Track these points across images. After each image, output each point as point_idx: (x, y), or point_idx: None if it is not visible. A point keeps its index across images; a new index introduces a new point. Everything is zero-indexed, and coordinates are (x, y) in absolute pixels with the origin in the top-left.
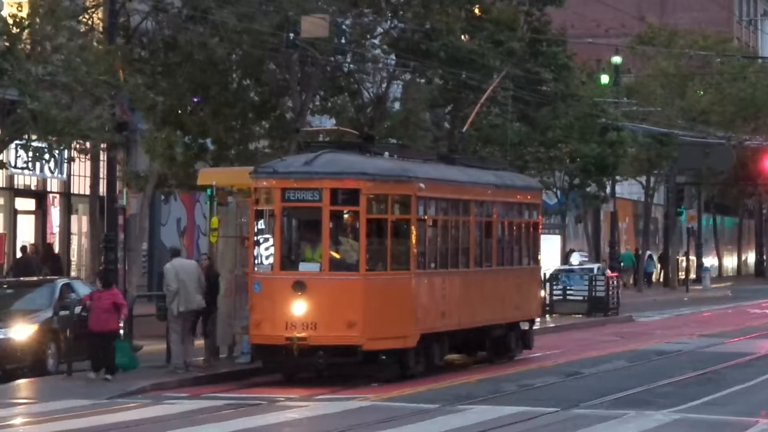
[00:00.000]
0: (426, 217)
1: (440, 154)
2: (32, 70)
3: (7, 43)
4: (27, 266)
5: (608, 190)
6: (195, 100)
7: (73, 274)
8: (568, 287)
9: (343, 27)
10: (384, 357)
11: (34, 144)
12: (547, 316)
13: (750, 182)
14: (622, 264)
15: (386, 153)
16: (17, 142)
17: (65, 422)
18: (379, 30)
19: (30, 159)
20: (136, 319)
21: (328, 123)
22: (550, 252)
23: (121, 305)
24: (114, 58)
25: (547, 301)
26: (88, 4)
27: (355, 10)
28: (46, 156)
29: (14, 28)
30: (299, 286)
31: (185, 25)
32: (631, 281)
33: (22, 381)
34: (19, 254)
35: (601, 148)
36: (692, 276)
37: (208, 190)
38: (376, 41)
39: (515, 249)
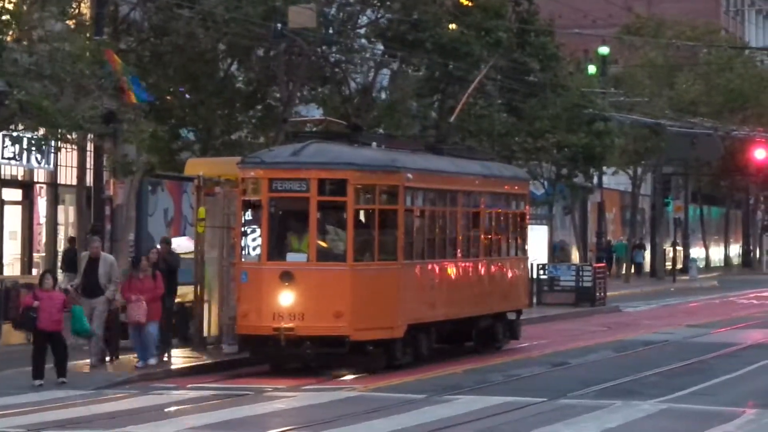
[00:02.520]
0: (414, 208)
1: (428, 144)
2: (19, 60)
3: None
4: (74, 260)
5: (595, 180)
6: (181, 90)
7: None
8: (555, 278)
9: (330, 17)
10: (371, 347)
11: (27, 135)
12: (534, 306)
13: (738, 173)
14: (615, 254)
15: (374, 143)
16: (4, 132)
17: (52, 413)
18: (366, 20)
19: (25, 149)
20: None
21: (316, 113)
22: (537, 243)
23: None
24: (103, 50)
25: (534, 292)
26: None
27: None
28: (43, 147)
29: (6, 16)
30: (286, 277)
31: (173, 14)
32: (624, 271)
33: (6, 372)
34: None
35: (589, 138)
36: (679, 266)
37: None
38: (363, 31)
39: (502, 239)
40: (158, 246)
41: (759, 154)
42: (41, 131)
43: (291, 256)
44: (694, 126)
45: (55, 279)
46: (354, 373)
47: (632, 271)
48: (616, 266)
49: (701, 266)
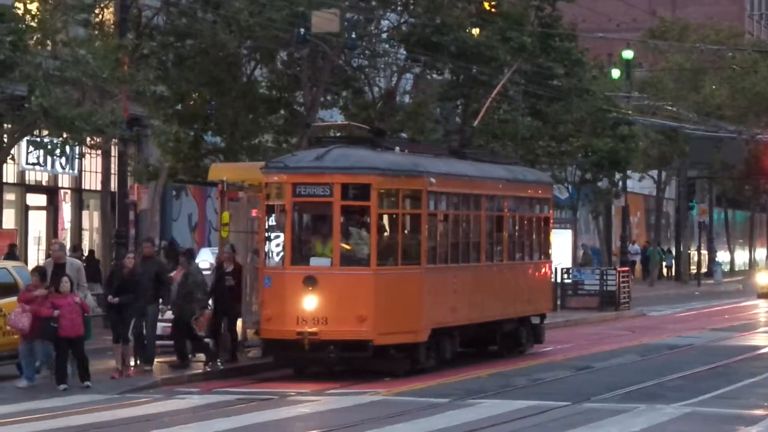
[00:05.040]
0: (437, 212)
1: (451, 148)
2: (42, 64)
3: (12, 37)
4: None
5: (620, 184)
6: (211, 104)
7: None
8: (579, 282)
9: (354, 21)
10: (395, 351)
11: (46, 140)
12: (558, 310)
13: (762, 177)
14: (650, 258)
15: (397, 148)
16: (28, 138)
17: (78, 417)
18: (389, 24)
19: (42, 155)
20: None
21: (338, 117)
22: (561, 247)
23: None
24: (123, 53)
25: (558, 296)
26: None
27: (365, 4)
28: (58, 152)
29: (30, 21)
30: (310, 281)
31: (196, 18)
32: (657, 275)
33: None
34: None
35: (613, 142)
36: (704, 270)
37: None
38: (385, 35)
39: (526, 243)
40: (129, 255)
41: None
42: (63, 136)
43: (314, 261)
44: (718, 130)
45: (71, 282)
46: (378, 378)
47: (665, 274)
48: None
49: (726, 270)
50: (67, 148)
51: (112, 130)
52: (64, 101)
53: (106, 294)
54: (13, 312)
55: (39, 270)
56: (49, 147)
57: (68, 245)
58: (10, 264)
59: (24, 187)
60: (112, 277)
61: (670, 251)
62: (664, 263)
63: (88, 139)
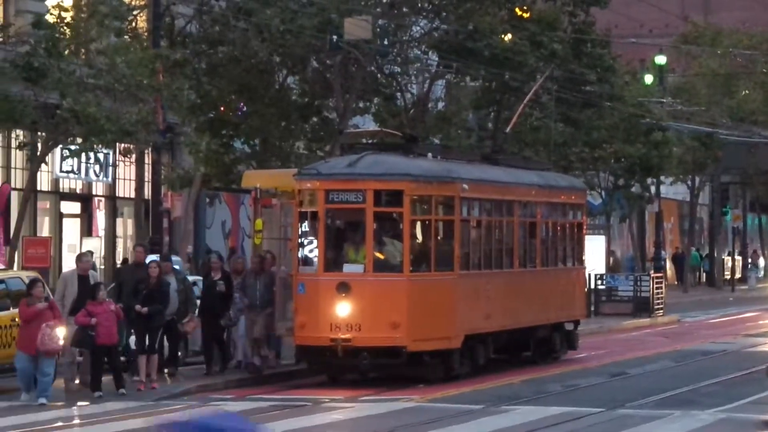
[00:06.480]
0: (470, 218)
1: (483, 154)
2: (77, 72)
3: (44, 45)
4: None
5: (653, 190)
6: (241, 109)
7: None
8: (612, 288)
9: (386, 28)
10: (428, 358)
11: (77, 145)
12: (592, 316)
13: None
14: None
15: (429, 154)
16: (62, 146)
17: (113, 424)
18: (421, 30)
19: (69, 156)
20: None
21: (370, 124)
22: (594, 253)
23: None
24: (157, 62)
25: (592, 302)
26: (134, 4)
27: (395, 11)
28: (92, 156)
29: (64, 29)
30: (343, 288)
31: (229, 26)
32: (697, 280)
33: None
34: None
35: (646, 148)
36: (738, 276)
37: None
38: (417, 43)
39: (559, 250)
40: (152, 264)
41: None
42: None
43: (348, 267)
44: (752, 135)
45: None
46: (412, 384)
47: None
48: (690, 275)
49: (760, 275)
50: (101, 156)
51: (139, 131)
52: (95, 103)
53: (130, 303)
54: (43, 335)
55: (38, 280)
56: (75, 148)
57: (102, 253)
58: (24, 273)
59: (58, 194)
60: (120, 287)
61: (707, 256)
62: (701, 268)
63: (121, 146)
